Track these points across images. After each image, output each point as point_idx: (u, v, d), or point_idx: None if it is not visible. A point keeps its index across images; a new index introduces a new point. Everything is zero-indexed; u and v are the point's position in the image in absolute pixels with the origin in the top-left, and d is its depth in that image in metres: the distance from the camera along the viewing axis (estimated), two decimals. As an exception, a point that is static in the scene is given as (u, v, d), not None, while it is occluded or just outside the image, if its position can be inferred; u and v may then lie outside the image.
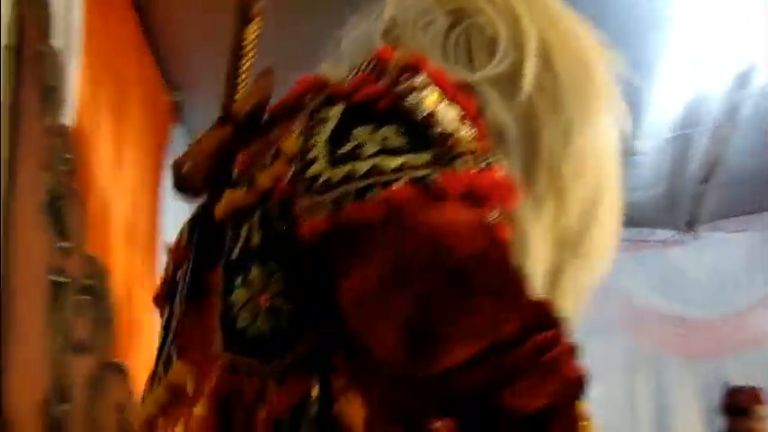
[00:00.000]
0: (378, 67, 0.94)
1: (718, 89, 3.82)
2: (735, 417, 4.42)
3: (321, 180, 0.86)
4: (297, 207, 0.87)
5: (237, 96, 1.08)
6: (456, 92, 0.92)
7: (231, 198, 0.98)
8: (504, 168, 0.90)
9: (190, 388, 0.95)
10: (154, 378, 1.02)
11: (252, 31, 1.08)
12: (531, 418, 0.77)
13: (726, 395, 4.49)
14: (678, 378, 5.16)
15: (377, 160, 0.84)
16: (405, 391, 0.82)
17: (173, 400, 0.97)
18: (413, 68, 0.91)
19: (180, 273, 1.05)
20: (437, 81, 0.91)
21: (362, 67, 0.94)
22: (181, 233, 1.09)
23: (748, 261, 5.05)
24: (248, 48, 1.09)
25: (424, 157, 0.84)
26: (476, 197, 0.83)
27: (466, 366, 0.76)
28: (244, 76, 1.08)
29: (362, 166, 0.84)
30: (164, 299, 1.08)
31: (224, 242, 0.97)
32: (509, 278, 0.81)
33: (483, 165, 0.86)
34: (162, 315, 1.08)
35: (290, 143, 0.93)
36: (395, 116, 0.88)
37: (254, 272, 0.92)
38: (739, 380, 4.61)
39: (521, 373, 0.77)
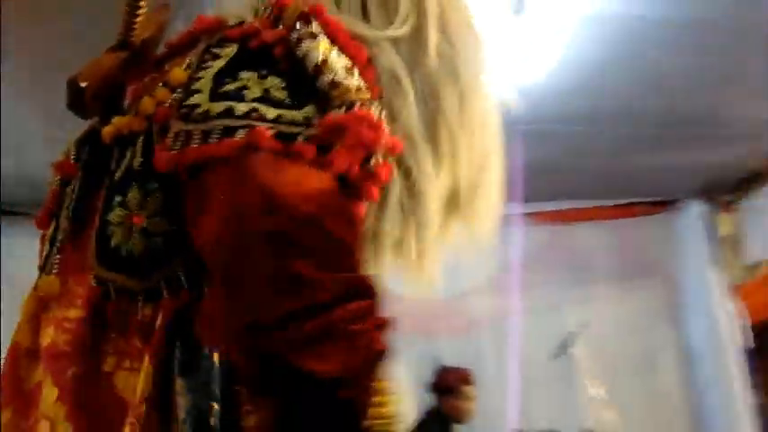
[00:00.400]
0: (275, 13, 0.96)
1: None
2: (443, 395, 4.61)
3: (199, 110, 0.89)
4: (170, 131, 0.89)
5: (135, 27, 1.08)
6: (347, 42, 0.94)
7: (118, 123, 1.00)
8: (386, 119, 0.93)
9: (57, 296, 0.99)
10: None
11: None
12: (325, 383, 0.79)
13: (436, 374, 4.69)
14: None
15: (256, 105, 0.87)
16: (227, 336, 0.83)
17: (41, 309, 0.99)
18: (307, 17, 0.93)
19: (68, 189, 1.06)
20: (330, 31, 0.93)
21: (262, 12, 0.97)
22: (68, 149, 1.09)
23: (468, 248, 5.26)
24: None
25: (303, 112, 0.88)
26: (325, 164, 0.85)
27: (275, 325, 0.78)
28: (142, 9, 1.07)
29: (242, 108, 0.87)
30: (50, 214, 1.08)
31: (110, 165, 1.00)
32: (334, 247, 0.82)
33: (352, 127, 0.87)
34: (46, 229, 1.08)
35: (177, 74, 0.97)
36: (285, 66, 0.91)
37: (132, 192, 0.95)
38: (451, 361, 4.80)
39: (323, 339, 0.79)
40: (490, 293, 5.11)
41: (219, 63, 0.93)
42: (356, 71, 0.92)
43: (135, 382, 0.89)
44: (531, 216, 5.04)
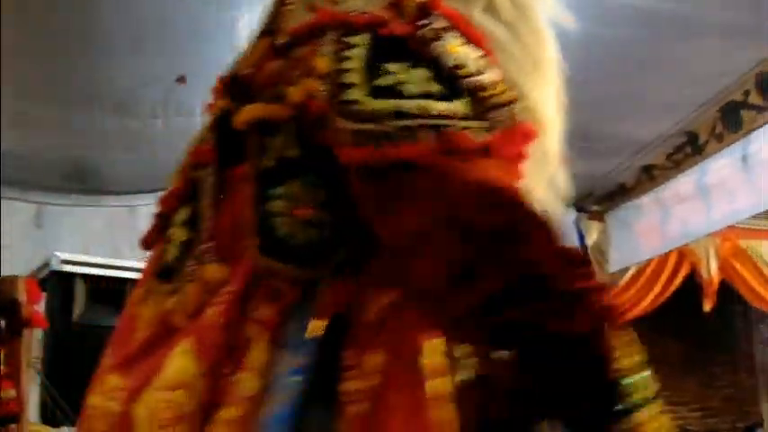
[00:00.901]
0: (395, 2, 0.99)
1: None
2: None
3: (362, 108, 0.92)
4: (335, 128, 0.92)
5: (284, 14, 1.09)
6: (473, 32, 0.98)
7: (257, 110, 1.02)
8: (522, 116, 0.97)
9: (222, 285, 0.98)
10: (168, 272, 1.05)
11: None
12: (574, 342, 0.85)
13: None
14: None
15: (422, 102, 0.91)
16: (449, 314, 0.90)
17: (204, 298, 0.99)
18: (429, 8, 0.97)
19: (203, 173, 1.07)
20: (455, 23, 0.97)
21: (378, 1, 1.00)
22: (204, 135, 1.11)
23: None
24: None
25: (461, 106, 0.91)
26: (510, 156, 0.92)
27: (515, 299, 0.85)
28: (290, 6, 1.09)
29: (409, 106, 0.90)
30: (179, 197, 1.10)
31: (244, 148, 1.02)
32: (546, 227, 0.88)
33: (512, 119, 0.93)
34: (174, 213, 1.09)
35: (322, 62, 0.96)
36: (424, 59, 0.94)
37: (292, 185, 0.97)
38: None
39: (566, 304, 0.85)
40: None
41: (358, 52, 0.96)
42: (486, 60, 0.97)
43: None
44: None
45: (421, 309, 0.94)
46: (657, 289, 6.12)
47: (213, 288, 0.99)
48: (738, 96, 4.22)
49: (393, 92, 0.92)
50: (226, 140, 1.07)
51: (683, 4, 3.46)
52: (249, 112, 1.03)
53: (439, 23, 0.96)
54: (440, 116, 0.90)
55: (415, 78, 0.93)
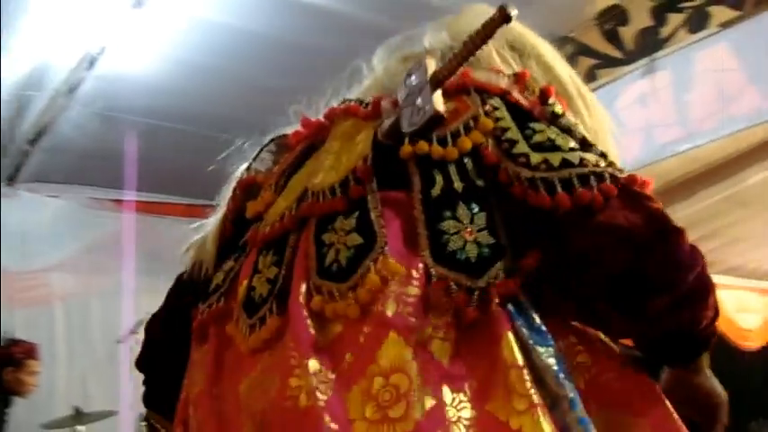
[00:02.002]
0: (519, 81, 1.34)
1: (65, 63, 3.96)
2: (5, 366, 4.58)
3: (533, 159, 1.21)
4: (509, 173, 1.21)
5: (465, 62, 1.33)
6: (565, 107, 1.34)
7: (425, 148, 1.26)
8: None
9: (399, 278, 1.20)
10: (342, 272, 1.23)
11: (494, 32, 1.31)
12: (706, 331, 1.23)
13: (2, 345, 4.65)
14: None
15: (580, 154, 1.21)
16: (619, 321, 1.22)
17: (381, 290, 1.18)
18: (547, 91, 1.32)
19: (367, 187, 1.28)
20: (561, 104, 1.32)
21: (506, 76, 1.35)
22: (365, 156, 1.30)
23: (53, 226, 5.25)
24: (486, 41, 1.32)
25: (594, 155, 1.22)
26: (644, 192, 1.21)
27: (673, 309, 1.19)
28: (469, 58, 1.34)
29: (573, 157, 1.20)
30: (351, 201, 1.28)
31: (403, 176, 1.27)
32: (684, 244, 1.19)
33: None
34: (349, 214, 1.27)
35: (485, 122, 1.27)
36: (549, 121, 1.27)
37: (460, 210, 1.23)
38: (22, 334, 4.78)
39: (702, 309, 1.21)
40: (71, 271, 5.13)
41: (502, 114, 1.28)
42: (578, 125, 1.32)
43: (447, 348, 1.15)
44: (124, 204, 5.13)
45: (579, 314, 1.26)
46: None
47: (392, 281, 1.19)
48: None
49: (551, 147, 1.23)
50: (385, 166, 1.28)
51: (397, 22, 3.47)
52: (420, 148, 1.26)
53: (556, 105, 1.30)
54: (596, 165, 1.19)
55: (554, 134, 1.23)
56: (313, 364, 1.18)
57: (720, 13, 3.11)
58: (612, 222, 1.18)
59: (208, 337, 1.40)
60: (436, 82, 1.33)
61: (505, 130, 1.27)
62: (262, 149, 1.56)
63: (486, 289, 1.19)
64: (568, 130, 1.27)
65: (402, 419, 1.11)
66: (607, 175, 1.19)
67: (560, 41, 3.62)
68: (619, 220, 1.18)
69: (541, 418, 1.08)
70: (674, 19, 3.26)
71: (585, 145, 1.25)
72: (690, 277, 1.19)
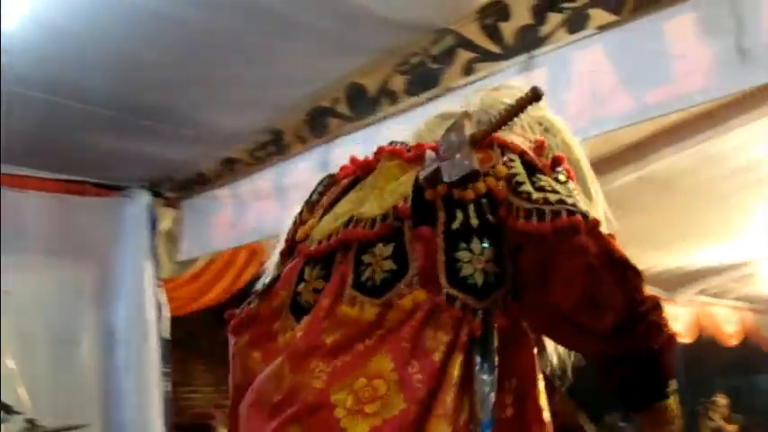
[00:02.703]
0: (537, 147, 1.68)
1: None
2: None
3: (534, 196, 1.50)
4: (512, 208, 1.51)
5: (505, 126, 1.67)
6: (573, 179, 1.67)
7: (443, 189, 1.59)
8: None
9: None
10: (376, 289, 1.56)
11: (526, 107, 1.65)
12: (656, 351, 1.47)
13: None
14: None
15: (567, 196, 1.51)
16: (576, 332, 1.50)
17: (407, 315, 1.51)
18: (560, 159, 1.67)
19: (405, 224, 1.59)
20: (569, 175, 1.65)
21: (529, 141, 1.70)
22: (407, 196, 1.61)
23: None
24: (518, 113, 1.66)
25: (580, 206, 1.52)
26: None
27: (626, 326, 1.44)
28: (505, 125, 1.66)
29: (564, 197, 1.50)
30: (390, 233, 1.60)
31: (431, 212, 1.58)
32: (639, 277, 1.49)
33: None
34: (387, 243, 1.59)
35: (501, 169, 1.58)
36: (551, 177, 1.58)
37: (475, 244, 1.51)
38: None
39: (653, 330, 1.46)
40: None
41: (516, 165, 1.59)
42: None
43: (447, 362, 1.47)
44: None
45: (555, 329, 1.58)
46: (227, 282, 6.08)
47: (416, 308, 1.50)
48: (327, 103, 4.29)
49: (547, 189, 1.52)
50: (419, 205, 1.58)
51: (283, 2, 3.42)
52: (442, 189, 1.58)
53: (563, 173, 1.63)
54: (577, 205, 1.50)
55: (549, 182, 1.55)
56: (312, 363, 1.51)
57: (599, 15, 3.16)
58: (585, 247, 1.46)
59: (242, 333, 1.71)
60: (474, 142, 1.63)
61: (516, 175, 1.57)
62: (314, 191, 1.89)
63: (488, 310, 1.52)
64: (567, 187, 1.58)
65: (374, 416, 1.41)
66: (583, 213, 1.50)
67: (440, 33, 3.63)
68: (590, 246, 1.47)
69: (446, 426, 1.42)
70: (554, 18, 3.29)
71: (566, 193, 1.55)
72: (642, 306, 1.47)
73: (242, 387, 1.66)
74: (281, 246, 1.85)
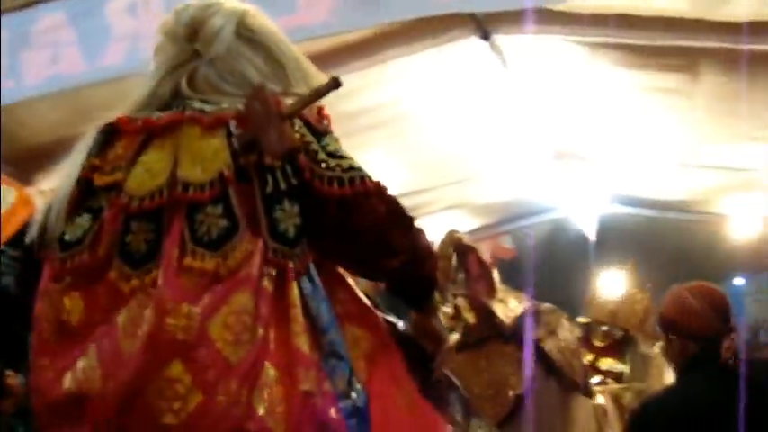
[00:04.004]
0: (319, 113, 2.05)
1: None
2: None
3: (331, 163, 1.93)
4: (315, 174, 1.91)
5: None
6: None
7: (254, 157, 1.92)
8: None
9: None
10: (214, 243, 1.88)
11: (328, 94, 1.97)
12: (429, 274, 2.08)
13: None
14: None
15: (352, 161, 1.95)
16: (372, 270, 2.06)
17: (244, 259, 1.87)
18: (321, 112, 2.05)
19: (230, 188, 1.91)
20: (329, 123, 2.05)
21: (306, 104, 1.98)
22: (229, 164, 1.94)
23: None
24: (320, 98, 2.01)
25: (357, 163, 1.96)
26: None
27: (410, 262, 2.00)
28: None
29: (352, 162, 1.95)
30: (218, 196, 1.91)
31: (247, 175, 1.92)
32: (412, 222, 2.03)
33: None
34: (215, 204, 1.90)
35: (296, 137, 1.95)
36: (329, 136, 1.99)
37: (286, 203, 1.89)
38: None
39: (428, 263, 2.06)
40: None
41: (306, 132, 1.98)
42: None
43: (268, 296, 1.86)
44: None
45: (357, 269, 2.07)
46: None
47: (249, 257, 1.85)
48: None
49: (339, 155, 1.96)
50: (238, 167, 1.92)
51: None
52: (254, 157, 1.92)
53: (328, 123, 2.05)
54: (364, 170, 1.96)
55: (336, 145, 1.99)
56: (184, 308, 1.77)
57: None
58: (376, 207, 1.94)
59: (80, 280, 1.92)
60: (284, 118, 1.93)
61: (310, 143, 1.95)
62: (97, 137, 2.06)
63: (300, 255, 1.91)
64: (337, 145, 1.99)
65: (247, 342, 1.76)
66: (372, 178, 1.94)
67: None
68: (380, 207, 1.95)
69: (305, 336, 1.83)
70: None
71: (349, 156, 1.96)
72: (416, 249, 2.02)
73: (44, 319, 1.92)
74: (66, 191, 2.02)
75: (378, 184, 1.94)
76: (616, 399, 4.87)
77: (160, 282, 1.83)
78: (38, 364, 1.91)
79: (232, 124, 1.95)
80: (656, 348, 5.51)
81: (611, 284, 5.79)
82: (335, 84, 1.92)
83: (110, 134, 2.07)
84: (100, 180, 2.01)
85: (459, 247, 4.06)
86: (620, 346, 5.20)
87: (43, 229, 2.04)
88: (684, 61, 4.87)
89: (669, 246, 9.49)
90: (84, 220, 1.99)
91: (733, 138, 5.82)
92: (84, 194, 2.03)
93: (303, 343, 1.83)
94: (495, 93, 5.51)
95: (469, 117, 5.82)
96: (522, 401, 4.01)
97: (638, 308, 5.48)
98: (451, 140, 6.01)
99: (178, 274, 1.82)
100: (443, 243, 4.10)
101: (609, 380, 5.21)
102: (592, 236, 8.03)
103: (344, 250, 2.00)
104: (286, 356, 1.81)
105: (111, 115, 2.09)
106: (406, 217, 1.99)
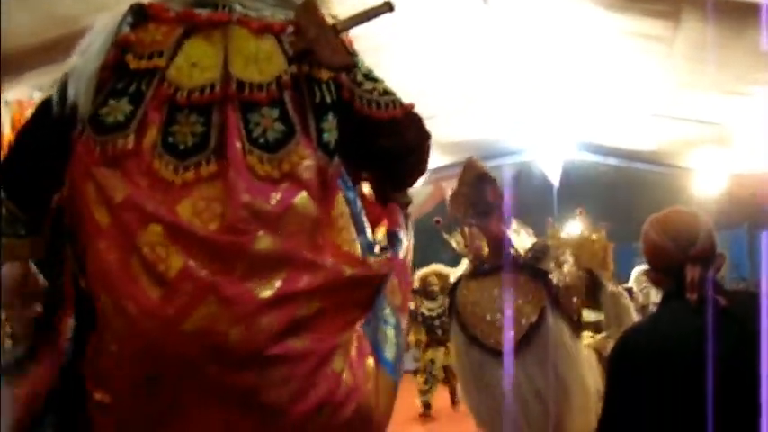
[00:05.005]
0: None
1: None
2: None
3: (369, 86, 2.07)
4: (355, 95, 2.04)
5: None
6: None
7: (307, 70, 2.02)
8: None
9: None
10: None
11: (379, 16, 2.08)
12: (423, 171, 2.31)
13: None
14: None
15: (386, 84, 2.09)
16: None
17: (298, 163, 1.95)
18: (349, 41, 2.16)
19: (285, 94, 1.98)
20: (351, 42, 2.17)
21: (358, 22, 2.08)
22: (286, 70, 2.00)
23: None
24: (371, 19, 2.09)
25: (388, 87, 2.11)
26: None
27: (420, 164, 2.26)
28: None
29: (385, 86, 2.09)
30: (275, 99, 1.98)
31: (298, 85, 2.00)
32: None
33: None
34: (272, 107, 1.97)
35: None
36: (359, 58, 2.12)
37: (330, 116, 1.99)
38: None
39: (424, 163, 2.26)
40: None
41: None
42: None
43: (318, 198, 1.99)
44: None
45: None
46: None
47: (301, 162, 1.93)
48: None
49: (371, 77, 2.08)
50: (292, 75, 2.00)
51: None
52: (306, 68, 2.02)
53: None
54: (396, 94, 2.10)
55: (370, 68, 2.11)
56: (257, 203, 1.85)
57: None
58: (406, 131, 2.12)
59: (123, 165, 1.89)
60: (337, 33, 1.99)
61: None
62: (126, 15, 2.01)
63: (337, 166, 1.99)
64: (368, 67, 2.11)
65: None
66: (401, 102, 2.08)
67: None
68: (409, 131, 2.13)
69: (354, 243, 2.02)
70: None
71: (381, 80, 2.10)
72: (427, 153, 2.23)
73: (93, 202, 1.86)
74: (91, 71, 1.97)
75: (408, 109, 2.09)
76: (599, 351, 4.94)
77: (232, 175, 1.86)
78: (95, 248, 1.85)
79: (288, 31, 2.00)
80: (621, 287, 5.64)
81: (570, 230, 5.82)
82: (389, 7, 2.02)
83: (140, 16, 2.03)
84: (135, 64, 1.98)
85: (481, 176, 3.99)
86: (590, 292, 5.23)
87: (63, 105, 1.98)
88: (667, 7, 4.84)
89: (634, 197, 9.52)
90: (122, 104, 1.94)
91: (708, 90, 5.83)
92: (117, 77, 1.98)
93: (354, 249, 2.01)
94: (474, 30, 5.43)
95: (444, 53, 5.74)
96: (535, 330, 4.02)
97: (597, 247, 5.53)
98: (424, 76, 5.93)
99: (244, 171, 1.87)
100: (467, 170, 4.01)
101: (589, 332, 5.30)
102: (556, 181, 8.03)
103: (369, 161, 2.17)
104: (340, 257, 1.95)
105: (84, 24, 2.03)
106: (426, 135, 2.18)
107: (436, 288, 8.40)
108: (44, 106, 2.03)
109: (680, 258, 2.25)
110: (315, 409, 1.86)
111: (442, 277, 7.39)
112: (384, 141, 2.09)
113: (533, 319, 4.05)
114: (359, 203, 2.09)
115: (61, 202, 1.99)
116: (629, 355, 2.28)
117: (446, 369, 8.76)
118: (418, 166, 2.26)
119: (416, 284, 7.05)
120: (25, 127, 2.09)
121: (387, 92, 2.07)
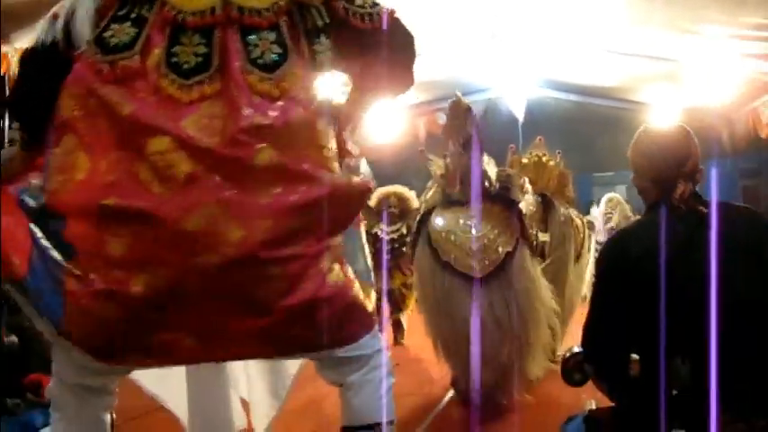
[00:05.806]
0: None
1: None
2: None
3: (361, 2, 2.22)
4: (350, 12, 2.20)
5: None
6: None
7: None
8: None
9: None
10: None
11: None
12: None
13: None
14: None
15: None
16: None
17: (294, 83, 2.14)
18: None
19: (281, 20, 2.18)
20: None
21: None
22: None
23: None
24: None
25: None
26: None
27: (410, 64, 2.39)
28: None
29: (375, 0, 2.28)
30: (272, 23, 2.18)
31: (289, 10, 2.19)
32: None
33: None
34: (270, 31, 2.18)
35: None
36: None
37: (323, 38, 2.18)
38: None
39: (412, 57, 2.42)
40: None
41: None
42: None
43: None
44: None
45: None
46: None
47: (296, 81, 2.16)
48: None
49: None
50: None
51: None
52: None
53: None
54: (380, 4, 2.27)
55: None
56: (257, 118, 2.04)
57: None
58: (396, 30, 2.27)
59: (129, 83, 2.05)
60: None
61: None
62: None
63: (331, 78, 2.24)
64: None
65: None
66: (387, 9, 2.25)
67: None
68: (400, 29, 2.29)
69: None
70: None
71: None
72: (413, 50, 2.35)
73: (99, 115, 2.05)
74: None
75: (393, 14, 2.28)
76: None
77: (233, 92, 2.05)
78: (95, 166, 2.03)
79: None
80: (574, 211, 5.82)
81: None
82: None
83: None
84: None
85: (468, 110, 4.18)
86: (542, 214, 5.34)
87: (67, 31, 2.13)
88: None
89: (594, 131, 9.83)
90: (126, 27, 2.09)
91: (663, 26, 6.03)
92: (119, 4, 2.14)
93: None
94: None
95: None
96: (510, 258, 4.18)
97: (554, 173, 5.66)
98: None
99: (245, 89, 2.05)
100: (458, 104, 4.22)
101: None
102: (521, 117, 8.28)
103: (369, 67, 2.31)
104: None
105: None
106: (411, 35, 2.34)
107: (395, 211, 6.99)
108: (45, 35, 2.17)
109: (673, 173, 2.32)
110: (300, 305, 2.04)
111: (403, 200, 6.82)
112: (378, 46, 2.22)
113: (509, 248, 4.21)
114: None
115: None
116: (617, 257, 2.37)
117: (393, 300, 7.10)
118: (407, 63, 2.35)
119: (373, 203, 6.55)
120: (29, 53, 2.23)
121: (375, 3, 2.25)
